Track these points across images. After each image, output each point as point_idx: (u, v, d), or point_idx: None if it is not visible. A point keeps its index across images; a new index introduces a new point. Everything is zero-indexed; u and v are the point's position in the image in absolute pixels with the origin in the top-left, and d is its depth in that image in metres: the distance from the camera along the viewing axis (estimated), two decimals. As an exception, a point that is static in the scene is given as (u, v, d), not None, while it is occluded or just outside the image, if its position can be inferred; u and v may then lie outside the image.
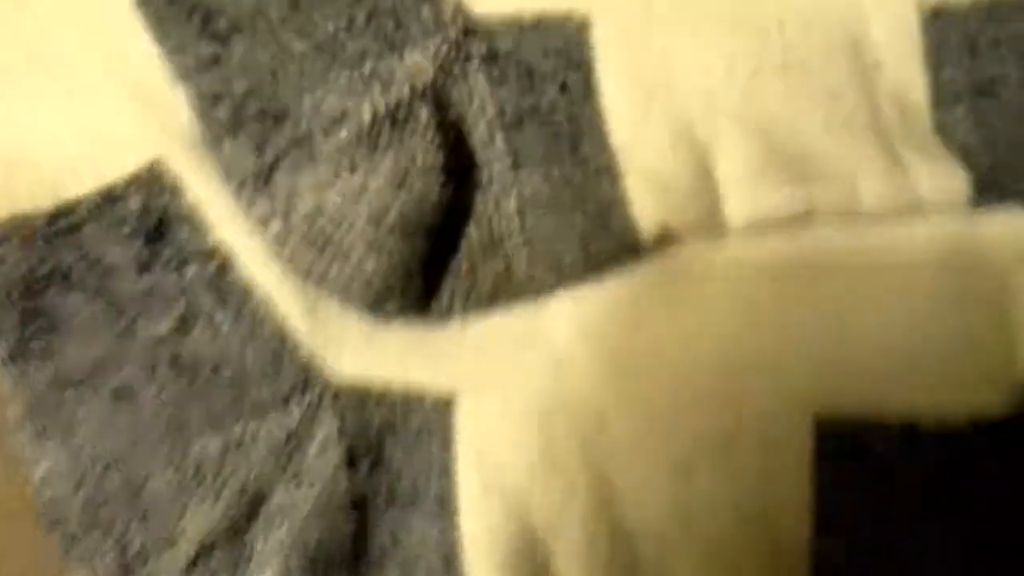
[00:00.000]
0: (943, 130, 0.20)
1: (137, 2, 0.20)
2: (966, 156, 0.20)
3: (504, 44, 0.20)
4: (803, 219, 0.20)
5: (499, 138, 0.20)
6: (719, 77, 0.20)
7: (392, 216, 0.19)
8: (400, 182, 0.19)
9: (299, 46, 0.20)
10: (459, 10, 0.20)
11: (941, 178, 0.20)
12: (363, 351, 0.20)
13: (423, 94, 0.20)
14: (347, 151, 0.19)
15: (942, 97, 0.20)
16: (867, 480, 0.19)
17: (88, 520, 0.19)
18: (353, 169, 0.19)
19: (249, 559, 0.19)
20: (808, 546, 0.19)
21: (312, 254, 0.19)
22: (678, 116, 0.20)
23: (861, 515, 0.19)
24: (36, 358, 0.19)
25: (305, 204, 0.19)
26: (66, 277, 0.20)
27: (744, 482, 0.19)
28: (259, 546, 0.19)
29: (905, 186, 0.20)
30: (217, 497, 0.19)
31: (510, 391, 0.20)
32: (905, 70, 0.20)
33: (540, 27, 0.20)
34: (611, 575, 0.19)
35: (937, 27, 0.21)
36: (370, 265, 0.19)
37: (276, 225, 0.19)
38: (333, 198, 0.19)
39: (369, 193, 0.19)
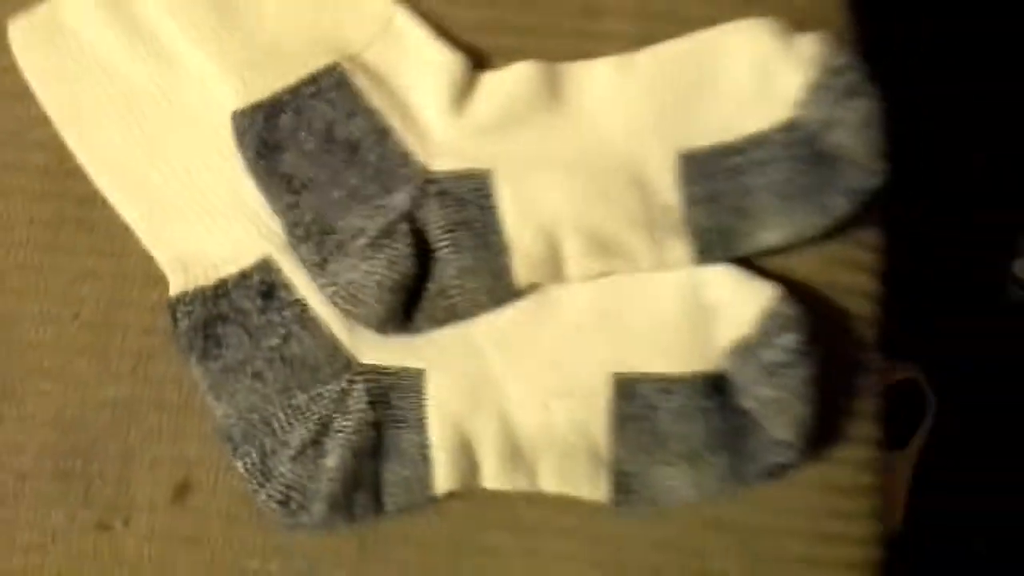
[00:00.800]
0: (687, 221, 0.36)
1: (249, 171, 0.37)
2: (698, 235, 0.36)
3: (447, 185, 0.37)
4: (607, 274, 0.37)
5: (445, 237, 0.37)
6: (564, 199, 0.36)
7: (388, 282, 0.36)
8: (393, 264, 0.36)
9: (338, 194, 0.37)
10: (424, 170, 0.37)
11: (683, 250, 0.36)
12: (377, 349, 0.37)
13: (403, 216, 0.37)
14: (365, 250, 0.36)
15: (689, 201, 0.36)
16: (640, 410, 0.36)
17: (242, 438, 0.37)
18: (368, 259, 0.36)
19: (324, 455, 0.36)
20: (611, 456, 0.36)
21: (348, 304, 0.36)
22: (541, 222, 0.36)
23: (643, 431, 0.36)
24: (211, 359, 0.37)
25: (343, 279, 0.36)
26: (224, 318, 0.37)
27: (577, 415, 0.36)
28: (328, 448, 0.36)
29: (664, 257, 0.36)
30: (306, 422, 0.37)
31: (454, 369, 0.37)
32: (668, 190, 0.36)
33: (466, 175, 0.37)
34: (506, 461, 0.36)
35: (688, 164, 0.36)
36: (378, 309, 0.36)
37: (329, 290, 0.36)
38: (358, 275, 0.36)
39: (377, 271, 0.36)
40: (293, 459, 0.36)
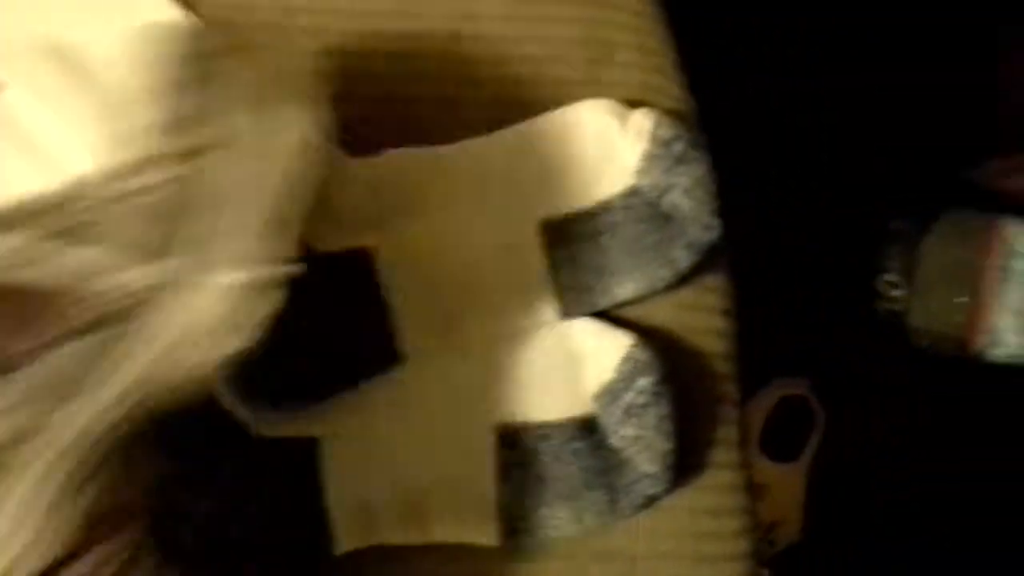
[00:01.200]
0: (553, 281, 0.40)
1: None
2: (563, 293, 0.40)
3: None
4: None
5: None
6: (449, 275, 0.40)
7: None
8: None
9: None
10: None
11: (551, 307, 0.40)
12: (275, 423, 0.40)
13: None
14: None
15: (553, 264, 0.40)
16: (523, 456, 0.39)
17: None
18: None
19: (228, 527, 0.39)
20: (499, 502, 0.39)
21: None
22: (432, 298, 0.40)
23: (526, 476, 0.39)
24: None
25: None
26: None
27: (465, 467, 0.39)
28: (233, 519, 0.39)
29: (535, 314, 0.40)
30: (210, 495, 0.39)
31: (348, 435, 0.39)
32: (535, 256, 0.40)
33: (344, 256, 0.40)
34: (402, 516, 0.39)
35: (550, 230, 0.40)
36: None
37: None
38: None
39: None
40: (197, 531, 0.38)
